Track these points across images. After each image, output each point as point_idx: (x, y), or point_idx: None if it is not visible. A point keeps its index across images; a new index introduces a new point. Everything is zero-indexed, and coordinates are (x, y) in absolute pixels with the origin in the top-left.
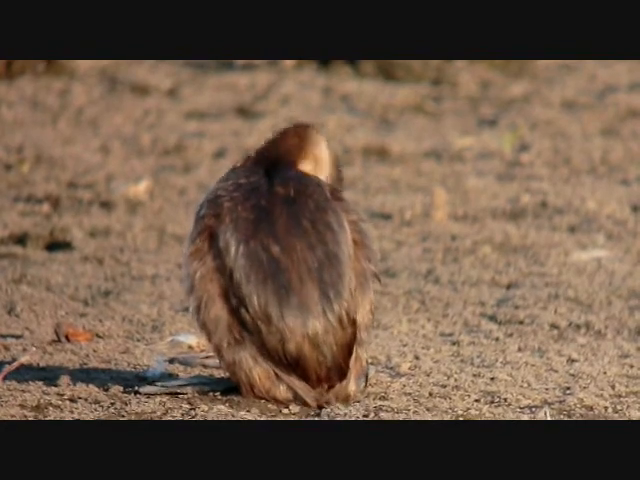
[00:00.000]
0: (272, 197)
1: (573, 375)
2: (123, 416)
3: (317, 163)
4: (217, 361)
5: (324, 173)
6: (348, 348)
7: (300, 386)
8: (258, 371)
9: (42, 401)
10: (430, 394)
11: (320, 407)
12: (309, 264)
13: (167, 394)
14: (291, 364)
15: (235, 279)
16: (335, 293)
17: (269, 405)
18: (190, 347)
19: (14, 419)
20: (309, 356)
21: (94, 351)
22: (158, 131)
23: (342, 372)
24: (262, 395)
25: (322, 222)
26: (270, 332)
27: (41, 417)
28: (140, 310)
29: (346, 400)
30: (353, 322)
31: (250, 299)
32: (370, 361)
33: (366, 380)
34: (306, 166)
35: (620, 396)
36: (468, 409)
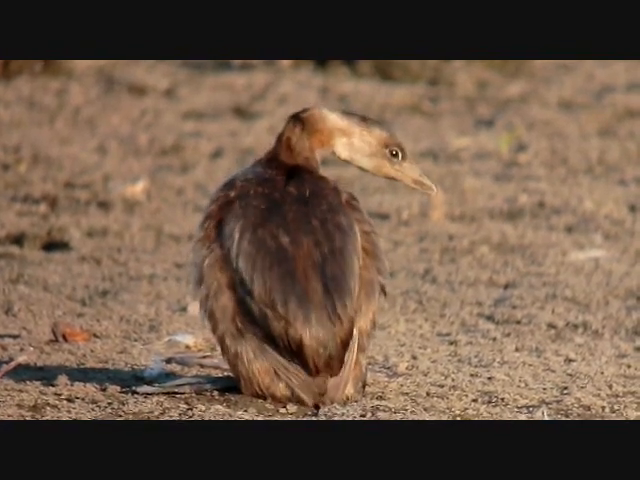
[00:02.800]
0: (286, 194)
1: (570, 375)
2: (120, 416)
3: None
4: (214, 361)
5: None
6: (344, 343)
7: (298, 383)
8: (257, 366)
9: (39, 401)
10: (427, 394)
11: (317, 406)
12: (314, 259)
13: (164, 394)
14: (294, 350)
15: (240, 265)
16: (337, 287)
17: (266, 405)
18: (187, 347)
19: (11, 419)
20: (309, 345)
21: (91, 351)
22: (155, 131)
23: (339, 364)
24: (261, 391)
25: (332, 222)
26: (275, 317)
27: (38, 417)
28: (137, 310)
29: (343, 403)
30: (351, 319)
31: (255, 284)
32: (368, 361)
33: (364, 385)
34: (338, 148)
35: (617, 396)
36: (465, 409)
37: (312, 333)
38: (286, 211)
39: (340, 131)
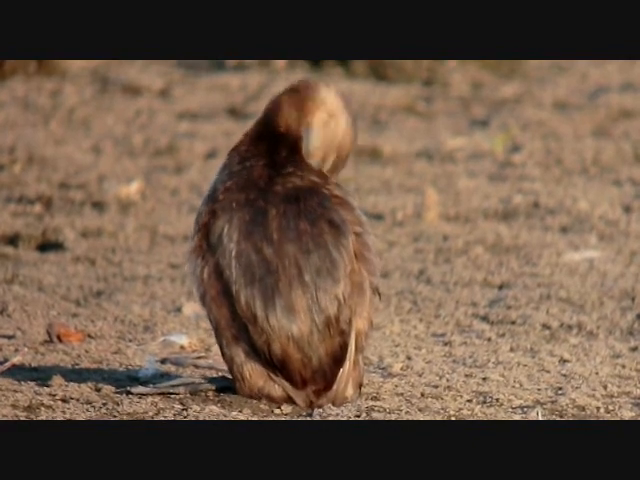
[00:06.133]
0: (270, 196)
1: (565, 375)
2: (115, 416)
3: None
4: (209, 361)
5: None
6: (334, 356)
7: (289, 386)
8: (249, 368)
9: (34, 401)
10: (422, 394)
11: (311, 407)
12: (301, 269)
13: (159, 394)
14: (277, 365)
15: (225, 278)
16: (326, 299)
17: (261, 405)
18: (182, 347)
19: (6, 419)
20: (293, 358)
21: (86, 351)
22: (150, 132)
23: (328, 377)
24: (255, 393)
25: (324, 220)
26: (256, 332)
27: (33, 417)
28: (132, 310)
29: (340, 404)
30: (341, 332)
31: (238, 299)
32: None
33: (360, 386)
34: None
35: (612, 396)
36: (460, 409)
37: (296, 346)
38: (272, 219)
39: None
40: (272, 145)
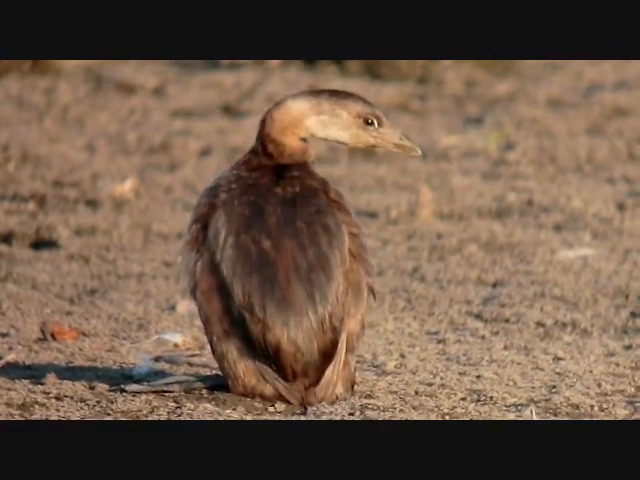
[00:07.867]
0: (271, 196)
1: (559, 373)
2: (109, 414)
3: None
4: (203, 359)
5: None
6: (325, 352)
7: (282, 385)
8: (242, 366)
9: (28, 399)
10: (416, 392)
11: (304, 406)
12: (298, 264)
13: (153, 392)
14: (271, 356)
15: (222, 270)
16: (321, 295)
17: (255, 403)
18: (176, 345)
19: (0, 418)
20: (287, 349)
21: (80, 349)
22: (144, 129)
23: (317, 371)
24: (247, 391)
25: (319, 224)
26: (253, 321)
27: (27, 415)
28: (126, 308)
29: (332, 403)
30: (334, 329)
31: (235, 289)
32: (356, 360)
33: (353, 385)
34: (312, 129)
35: (606, 394)
36: (454, 407)
37: (290, 338)
38: (269, 215)
39: (309, 112)
40: (275, 166)
